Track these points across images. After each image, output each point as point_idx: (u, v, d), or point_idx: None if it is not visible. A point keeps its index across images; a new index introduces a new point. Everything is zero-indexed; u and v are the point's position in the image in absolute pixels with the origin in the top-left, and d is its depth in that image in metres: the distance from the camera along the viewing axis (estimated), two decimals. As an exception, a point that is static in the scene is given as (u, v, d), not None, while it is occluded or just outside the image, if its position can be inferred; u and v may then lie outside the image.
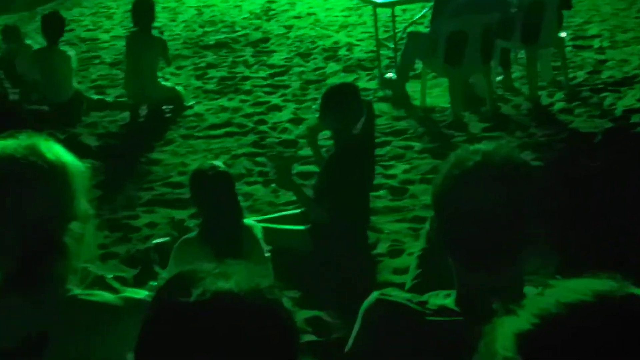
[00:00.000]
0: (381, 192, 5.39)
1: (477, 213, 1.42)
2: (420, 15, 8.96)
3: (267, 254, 3.52)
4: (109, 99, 7.71)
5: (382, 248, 4.66)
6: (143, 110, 7.34)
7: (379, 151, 5.96)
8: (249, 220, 3.58)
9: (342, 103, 4.20)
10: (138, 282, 4.17)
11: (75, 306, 1.55)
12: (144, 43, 7.12)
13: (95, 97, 7.70)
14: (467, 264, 1.47)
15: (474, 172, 1.44)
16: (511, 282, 1.48)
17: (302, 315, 3.87)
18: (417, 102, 7.19)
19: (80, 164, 1.60)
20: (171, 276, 1.12)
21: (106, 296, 1.58)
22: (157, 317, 1.09)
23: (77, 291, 1.59)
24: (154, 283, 4.20)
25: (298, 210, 4.69)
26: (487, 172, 1.43)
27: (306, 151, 6.17)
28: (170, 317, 1.07)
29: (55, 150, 1.56)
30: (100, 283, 3.42)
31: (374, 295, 1.61)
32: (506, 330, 0.94)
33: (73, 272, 1.60)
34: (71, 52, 7.40)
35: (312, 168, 5.69)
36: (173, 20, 10.94)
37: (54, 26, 7.15)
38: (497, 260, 1.45)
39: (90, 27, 11.16)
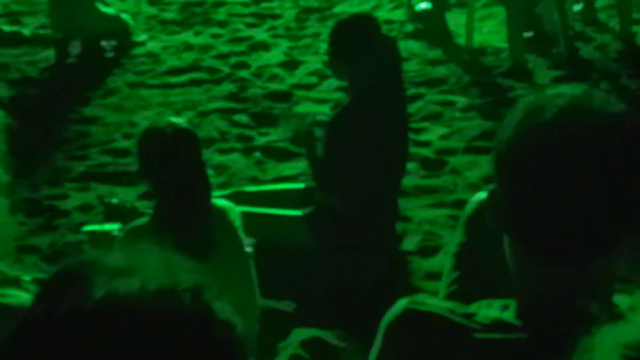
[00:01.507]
0: (410, 166, 5.27)
1: (566, 181, 1.40)
2: None
3: (248, 249, 3.51)
4: (26, 31, 7.67)
5: (411, 243, 4.64)
6: (74, 48, 7.31)
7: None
8: (221, 201, 3.56)
9: (357, 42, 4.22)
10: (66, 287, 4.13)
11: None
12: None
13: (8, 28, 7.67)
14: (544, 255, 1.45)
15: (560, 121, 1.41)
16: (600, 284, 1.47)
17: (296, 335, 3.86)
18: (461, 41, 7.16)
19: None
20: (52, 273, 1.10)
21: (23, 297, 1.57)
22: (18, 335, 1.05)
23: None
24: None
25: (294, 186, 4.69)
26: (581, 121, 1.41)
27: (304, 107, 6.18)
28: (33, 334, 1.04)
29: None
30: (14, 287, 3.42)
31: (401, 304, 1.59)
32: (611, 341, 0.92)
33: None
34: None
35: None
36: None
37: None
38: (589, 251, 1.43)
39: None
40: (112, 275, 1.05)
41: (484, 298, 1.61)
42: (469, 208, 3.69)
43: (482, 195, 3.71)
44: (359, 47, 4.23)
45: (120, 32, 7.36)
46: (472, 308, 1.57)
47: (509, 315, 1.52)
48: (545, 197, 1.41)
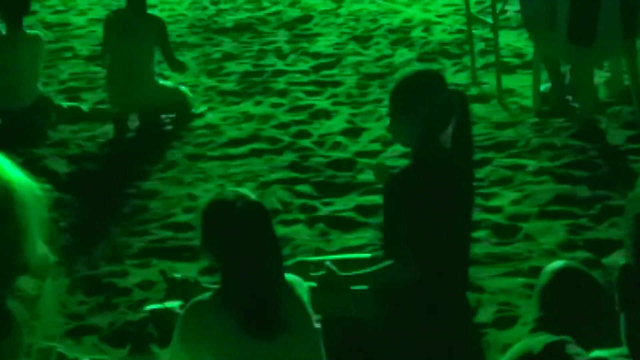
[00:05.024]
0: (481, 234, 5.25)
1: None
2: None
3: (316, 325, 3.39)
4: (85, 106, 7.73)
5: (485, 315, 4.50)
6: (133, 122, 7.34)
7: (475, 174, 5.86)
8: (289, 275, 3.45)
9: (423, 97, 4.07)
10: (127, 369, 4.07)
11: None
12: (134, 26, 7.13)
13: (67, 104, 7.73)
14: None
15: None
16: None
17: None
18: (527, 102, 7.07)
19: (35, 185, 1.51)
20: None
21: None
22: None
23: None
24: (150, 370, 4.12)
25: (360, 256, 4.58)
26: None
27: (369, 175, 6.11)
28: None
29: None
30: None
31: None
32: None
33: (24, 354, 1.52)
34: (41, 36, 7.45)
35: (377, 199, 5.59)
36: (175, -4, 11.07)
37: (15, 3, 7.21)
38: None
39: (59, 7, 11.27)
40: None
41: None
42: (543, 279, 3.54)
43: (556, 264, 3.57)
44: (422, 102, 4.07)
45: (178, 104, 7.38)
46: None
47: None
48: None
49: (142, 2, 7.20)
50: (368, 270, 4.19)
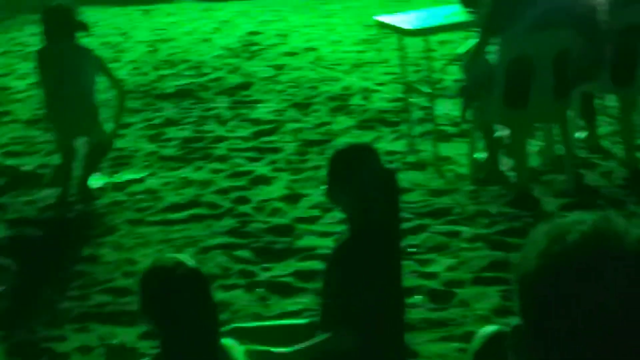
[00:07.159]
0: (417, 299, 5.33)
1: (599, 311, 1.37)
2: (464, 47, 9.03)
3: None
4: (24, 170, 7.73)
5: (420, 380, 4.57)
6: (72, 187, 7.32)
7: (411, 240, 5.97)
8: (225, 339, 3.50)
9: (355, 172, 4.19)
10: None
11: None
12: (69, 57, 7.07)
13: (6, 168, 7.73)
14: None
15: (586, 248, 1.40)
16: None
17: None
18: (463, 170, 7.20)
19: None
20: None
21: None
22: None
23: None
24: None
25: (297, 321, 4.61)
26: (606, 247, 1.40)
27: (307, 241, 6.16)
28: None
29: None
30: None
31: None
32: None
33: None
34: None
35: (315, 265, 5.65)
36: (116, 61, 11.06)
37: None
38: None
39: (-1, 71, 11.29)
40: None
41: None
42: (476, 343, 3.65)
43: (488, 329, 3.68)
44: (355, 177, 4.19)
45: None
46: None
47: None
48: (579, 330, 1.37)
49: (72, 33, 7.09)
50: (306, 344, 4.24)
